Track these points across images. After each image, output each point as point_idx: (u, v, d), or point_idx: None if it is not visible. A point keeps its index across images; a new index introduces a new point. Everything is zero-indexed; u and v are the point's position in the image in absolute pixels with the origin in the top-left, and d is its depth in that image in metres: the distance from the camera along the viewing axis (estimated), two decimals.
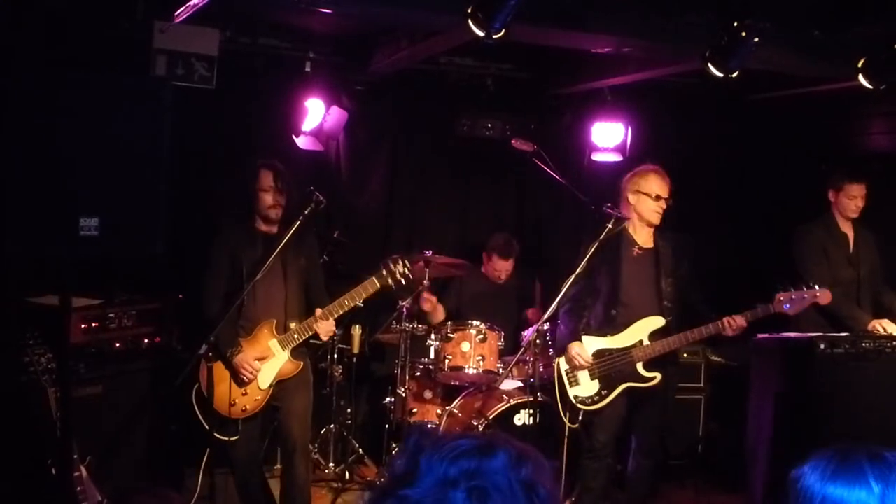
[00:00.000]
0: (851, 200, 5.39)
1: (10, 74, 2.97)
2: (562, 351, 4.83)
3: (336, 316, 4.70)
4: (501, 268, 5.92)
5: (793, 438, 4.76)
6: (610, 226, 4.70)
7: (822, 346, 4.73)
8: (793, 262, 5.41)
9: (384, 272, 4.71)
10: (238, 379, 4.53)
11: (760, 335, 5.11)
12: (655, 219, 4.81)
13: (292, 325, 4.66)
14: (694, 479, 5.99)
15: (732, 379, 5.84)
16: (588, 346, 4.77)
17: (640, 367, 4.73)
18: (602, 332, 4.79)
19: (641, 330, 4.75)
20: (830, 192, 5.47)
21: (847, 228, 5.48)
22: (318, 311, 4.65)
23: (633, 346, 4.74)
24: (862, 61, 4.77)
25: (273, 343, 4.62)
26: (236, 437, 4.60)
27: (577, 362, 4.73)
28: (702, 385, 6.14)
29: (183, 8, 4.52)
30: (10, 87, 2.93)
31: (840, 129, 6.56)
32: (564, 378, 4.80)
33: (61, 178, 2.97)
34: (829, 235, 5.46)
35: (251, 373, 4.54)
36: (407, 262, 4.78)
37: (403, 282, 4.76)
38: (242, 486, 4.75)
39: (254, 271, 4.54)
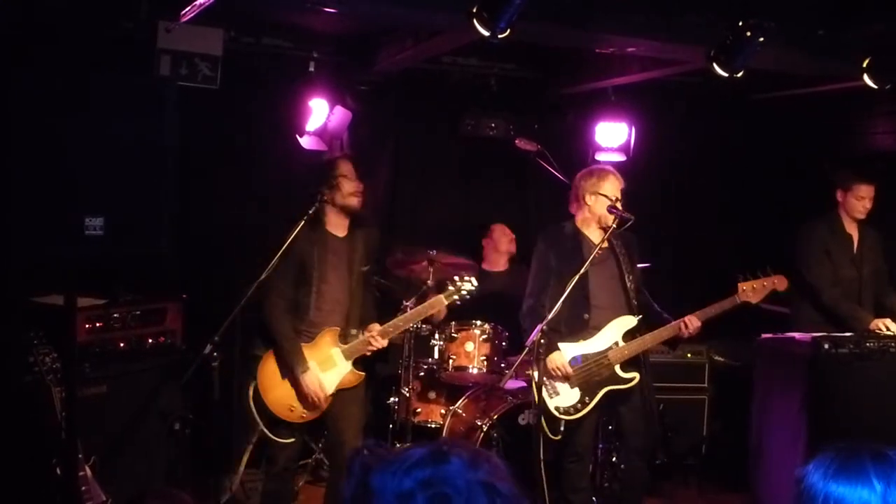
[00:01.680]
0: (860, 201, 5.38)
1: (14, 74, 2.98)
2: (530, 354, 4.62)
3: (395, 333, 4.69)
4: (502, 237, 5.85)
5: (797, 438, 4.76)
6: (614, 226, 4.67)
7: (826, 346, 4.71)
8: (794, 260, 5.41)
9: (451, 289, 4.68)
10: (302, 394, 4.47)
11: (764, 335, 5.11)
12: (611, 220, 4.68)
13: (353, 333, 4.60)
14: (698, 479, 5.99)
15: (736, 379, 5.83)
16: (565, 352, 4.65)
17: (617, 368, 4.65)
18: (575, 337, 4.69)
19: (615, 331, 4.67)
20: (839, 192, 5.45)
21: (852, 229, 5.47)
22: (377, 328, 4.57)
23: (609, 348, 4.65)
24: (867, 60, 4.76)
25: (336, 352, 4.53)
26: (292, 440, 4.55)
27: (559, 373, 4.60)
28: (705, 385, 6.14)
29: (189, 7, 4.52)
30: (15, 87, 2.94)
31: (844, 129, 6.56)
32: (543, 391, 4.60)
33: (66, 178, 2.98)
34: (833, 234, 5.45)
35: (319, 401, 4.45)
36: (473, 279, 4.74)
37: (468, 297, 4.71)
38: (275, 492, 4.66)
39: (321, 275, 4.51)
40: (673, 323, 4.66)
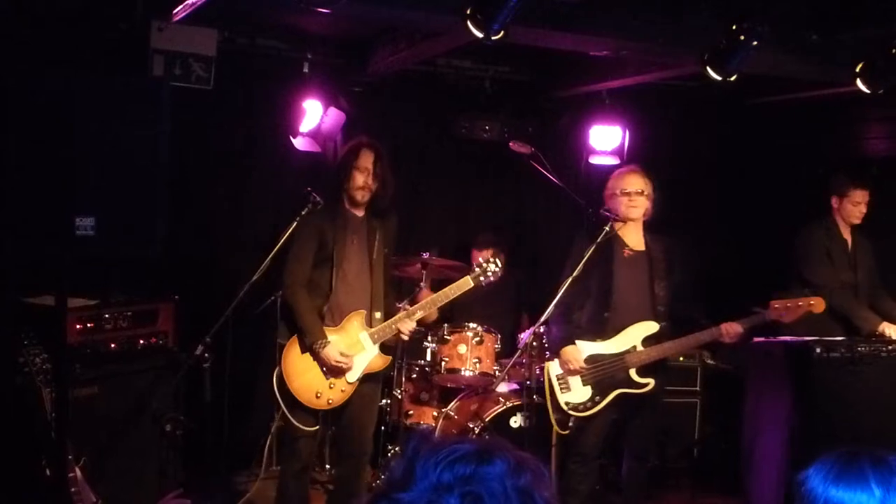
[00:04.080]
0: (855, 207, 5.40)
1: (6, 74, 2.96)
2: (555, 354, 4.78)
3: (421, 315, 4.70)
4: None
5: (789, 442, 4.77)
6: (608, 229, 4.68)
7: (819, 350, 4.72)
8: (795, 264, 5.41)
9: (478, 270, 4.70)
10: (330, 370, 4.46)
11: (757, 339, 5.11)
12: (632, 214, 4.73)
13: (377, 316, 4.60)
14: (690, 483, 5.99)
15: (728, 382, 5.85)
16: (581, 349, 4.69)
17: (633, 373, 4.66)
18: (594, 336, 4.72)
19: (635, 335, 4.69)
20: (834, 198, 5.46)
21: (847, 234, 5.50)
22: (403, 310, 4.62)
23: (627, 351, 4.67)
24: (860, 65, 4.77)
25: (364, 336, 4.53)
26: (316, 428, 4.54)
27: (571, 366, 4.65)
28: (698, 388, 6.15)
29: (181, 6, 4.51)
30: (7, 87, 2.92)
31: (838, 134, 6.58)
32: (555, 384, 4.71)
33: (57, 178, 2.96)
34: (831, 238, 5.47)
35: (346, 364, 4.45)
36: (498, 260, 4.75)
37: (493, 278, 4.73)
38: (294, 486, 4.60)
39: (342, 253, 4.50)
40: (712, 328, 4.63)
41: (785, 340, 5.02)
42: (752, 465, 5.07)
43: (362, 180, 4.53)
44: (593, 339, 4.72)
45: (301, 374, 4.45)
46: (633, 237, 4.81)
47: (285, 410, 4.47)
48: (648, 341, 4.69)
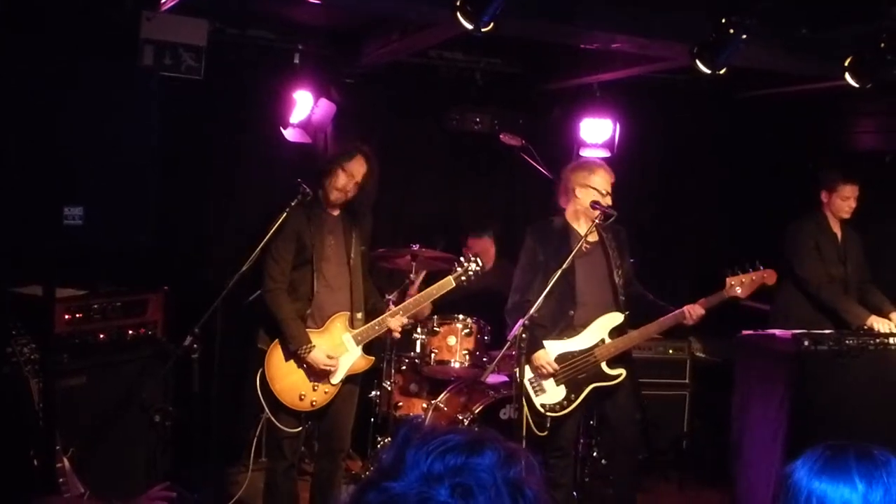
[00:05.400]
0: (845, 201, 5.43)
1: None
2: (525, 354, 4.59)
3: (409, 314, 4.72)
4: (478, 247, 5.93)
5: (777, 434, 4.78)
6: (597, 221, 4.67)
7: (807, 343, 4.73)
8: (784, 258, 5.43)
9: (459, 270, 4.72)
10: (315, 373, 4.48)
11: (745, 332, 5.13)
12: (597, 215, 4.69)
13: (359, 317, 4.61)
14: (678, 474, 6.01)
15: (717, 375, 5.86)
16: (550, 350, 4.65)
17: (604, 366, 4.65)
18: (559, 333, 4.68)
19: (601, 328, 4.67)
20: (823, 193, 5.49)
21: (836, 228, 5.54)
22: (391, 303, 4.65)
23: (596, 345, 4.65)
24: (849, 60, 4.78)
25: (347, 338, 4.56)
26: (299, 429, 4.57)
27: (544, 371, 4.60)
28: (686, 381, 6.17)
29: None
30: None
31: (828, 128, 6.59)
32: (528, 387, 4.64)
33: (45, 168, 2.94)
34: (821, 232, 5.49)
35: (333, 366, 4.48)
36: (479, 259, 4.77)
37: (474, 278, 4.75)
38: (283, 482, 4.64)
39: (321, 253, 4.50)
40: (676, 312, 4.62)
41: (773, 333, 5.04)
42: (740, 458, 5.08)
43: (343, 183, 4.52)
44: (560, 337, 4.68)
45: (284, 376, 4.47)
46: (586, 230, 4.72)
47: (269, 413, 4.49)
48: (615, 332, 4.67)
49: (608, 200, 4.67)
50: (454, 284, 4.71)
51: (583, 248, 4.63)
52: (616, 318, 4.68)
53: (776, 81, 6.12)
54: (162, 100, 3.18)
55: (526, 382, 4.63)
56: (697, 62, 4.50)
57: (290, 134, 5.82)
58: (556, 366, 4.62)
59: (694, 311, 4.61)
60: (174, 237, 5.27)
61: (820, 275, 5.33)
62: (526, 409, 4.61)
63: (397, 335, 4.77)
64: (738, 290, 4.67)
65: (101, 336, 4.67)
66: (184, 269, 5.41)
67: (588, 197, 4.67)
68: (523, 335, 4.72)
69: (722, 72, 4.53)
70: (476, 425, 5.11)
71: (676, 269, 6.99)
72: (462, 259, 4.78)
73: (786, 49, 4.92)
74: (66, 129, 2.97)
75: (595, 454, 5.52)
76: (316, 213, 4.56)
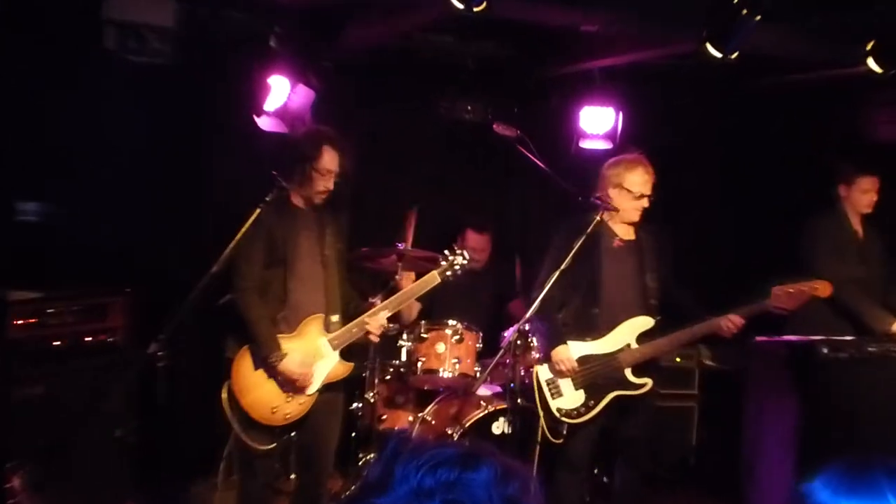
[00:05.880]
0: (864, 195, 5.43)
1: None
2: (545, 355, 4.75)
3: (392, 312, 4.63)
4: (476, 244, 5.91)
5: (793, 448, 4.78)
6: (598, 218, 4.66)
7: (825, 350, 4.74)
8: (801, 257, 5.42)
9: (444, 265, 4.65)
10: (288, 383, 4.38)
11: (759, 338, 5.12)
12: (636, 217, 4.77)
13: (334, 320, 4.54)
14: (686, 492, 6.01)
15: (728, 385, 5.87)
16: (571, 351, 4.67)
17: (628, 372, 4.67)
18: (583, 334, 4.71)
19: (629, 332, 4.69)
20: (841, 187, 5.49)
21: (857, 224, 5.53)
22: (372, 308, 4.54)
23: (621, 349, 4.67)
24: (871, 44, 4.77)
25: (323, 342, 4.47)
26: (272, 446, 4.44)
27: (562, 367, 4.64)
28: (695, 392, 6.18)
29: None
30: None
31: (845, 119, 6.58)
32: (545, 389, 4.69)
33: None
34: (841, 230, 5.49)
35: (306, 377, 4.38)
36: (465, 252, 4.71)
37: (460, 272, 4.69)
38: (257, 500, 4.57)
39: (294, 252, 4.42)
40: (710, 321, 4.61)
41: (789, 340, 5.04)
42: (753, 475, 5.09)
43: (323, 185, 4.45)
44: (583, 338, 4.71)
45: (254, 388, 4.36)
46: (623, 226, 4.81)
47: (238, 430, 4.37)
48: (643, 338, 4.68)
49: (644, 203, 4.70)
50: (439, 280, 4.64)
51: (613, 244, 4.69)
52: (645, 322, 4.70)
53: (790, 69, 6.11)
54: (126, 86, 3.15)
55: (543, 384, 4.70)
56: (708, 47, 4.50)
57: (264, 123, 5.78)
58: (575, 364, 4.64)
59: (733, 322, 4.59)
60: (140, 235, 5.22)
61: (839, 276, 5.31)
62: (541, 413, 4.66)
63: (375, 339, 4.62)
64: (786, 302, 4.62)
65: (58, 342, 4.64)
66: (149, 270, 5.34)
67: (621, 197, 4.70)
68: (517, 341, 4.75)
69: (733, 57, 4.52)
70: (467, 440, 5.09)
71: (683, 267, 6.97)
72: (447, 252, 4.71)
73: (802, 33, 4.91)
74: (17, 118, 2.94)
75: (596, 471, 5.49)
76: (288, 209, 4.49)
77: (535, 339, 5.12)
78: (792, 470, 4.77)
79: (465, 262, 4.69)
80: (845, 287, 5.36)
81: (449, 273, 4.66)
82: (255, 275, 4.41)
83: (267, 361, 4.34)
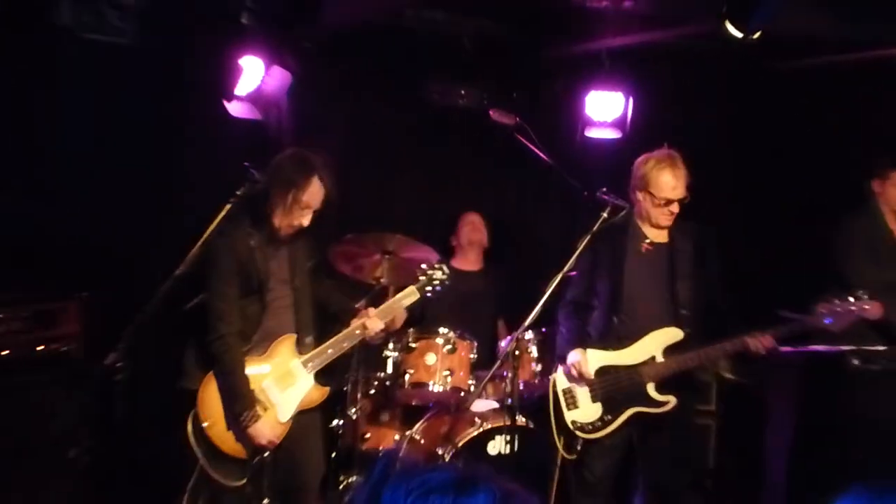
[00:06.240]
0: None
1: None
2: (563, 361, 4.73)
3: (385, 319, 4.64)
4: (475, 221, 6.04)
5: (820, 469, 4.73)
6: (605, 215, 4.64)
7: (855, 362, 4.78)
8: (832, 260, 5.33)
9: (423, 279, 4.67)
10: (262, 409, 4.36)
11: (783, 348, 5.04)
12: (663, 222, 4.72)
13: (307, 341, 4.53)
14: None
15: (749, 400, 5.83)
16: (591, 360, 4.65)
17: (650, 388, 4.61)
18: (605, 344, 4.68)
19: (655, 344, 4.63)
20: (875, 182, 5.44)
21: (894, 224, 5.45)
22: (361, 311, 4.58)
23: (644, 362, 4.63)
24: None
25: (296, 364, 4.45)
26: (243, 481, 4.38)
27: (575, 371, 4.61)
28: (713, 408, 6.13)
29: None
30: None
31: (879, 105, 6.51)
32: (561, 399, 4.68)
33: None
34: (875, 230, 5.41)
35: (273, 444, 4.35)
36: (444, 266, 4.74)
37: (440, 288, 4.71)
38: None
39: (268, 273, 4.42)
40: (738, 339, 4.51)
41: (816, 349, 5.01)
42: (776, 496, 5.04)
43: (298, 220, 4.42)
44: (604, 347, 4.69)
45: (223, 417, 4.31)
46: (654, 229, 4.76)
47: (206, 465, 4.31)
48: (670, 351, 4.62)
49: (673, 208, 4.65)
50: (418, 296, 4.68)
51: (642, 248, 4.68)
52: (674, 334, 4.64)
53: (818, 50, 6.05)
54: (81, 67, 3.05)
55: (560, 392, 4.69)
56: (727, 25, 4.47)
57: (234, 108, 5.72)
58: (587, 370, 4.62)
59: (761, 342, 4.47)
60: (99, 234, 5.19)
61: (873, 280, 5.24)
62: (554, 424, 4.66)
63: (370, 335, 4.60)
64: (830, 321, 4.51)
65: (5, 353, 4.60)
66: (108, 273, 5.32)
67: (646, 201, 4.68)
68: (515, 352, 4.68)
69: (755, 37, 4.47)
70: (460, 462, 5.01)
71: None
72: (424, 266, 4.72)
73: (831, 10, 4.86)
74: None
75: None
76: (257, 234, 4.47)
77: (534, 350, 5.08)
78: (818, 494, 4.69)
79: (445, 276, 4.72)
80: (880, 294, 5.27)
81: (429, 289, 4.70)
82: (234, 315, 4.38)
83: (238, 419, 4.29)
